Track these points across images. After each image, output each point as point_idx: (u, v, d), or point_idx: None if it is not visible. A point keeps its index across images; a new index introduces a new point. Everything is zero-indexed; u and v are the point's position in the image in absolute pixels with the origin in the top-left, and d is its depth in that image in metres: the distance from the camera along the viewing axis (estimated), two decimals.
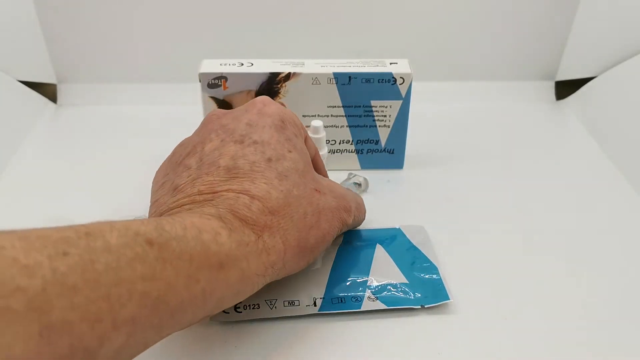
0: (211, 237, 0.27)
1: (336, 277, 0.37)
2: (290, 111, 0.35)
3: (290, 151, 0.32)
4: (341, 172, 0.48)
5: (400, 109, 0.47)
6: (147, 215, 0.34)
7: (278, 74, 0.45)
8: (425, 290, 0.36)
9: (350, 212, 0.36)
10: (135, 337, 0.23)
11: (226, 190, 0.30)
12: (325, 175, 0.39)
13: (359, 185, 0.47)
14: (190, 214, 0.28)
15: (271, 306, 0.35)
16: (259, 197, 0.30)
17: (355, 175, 0.47)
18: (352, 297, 0.36)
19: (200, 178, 0.31)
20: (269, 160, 0.31)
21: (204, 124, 0.35)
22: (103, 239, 0.22)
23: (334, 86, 0.45)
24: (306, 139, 0.36)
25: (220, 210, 0.29)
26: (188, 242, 0.25)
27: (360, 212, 0.39)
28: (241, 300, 0.30)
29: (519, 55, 0.61)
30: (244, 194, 0.30)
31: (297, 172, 0.32)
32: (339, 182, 0.43)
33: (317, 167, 0.38)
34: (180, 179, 0.32)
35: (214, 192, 0.30)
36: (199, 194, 0.30)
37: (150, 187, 0.36)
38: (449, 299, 0.36)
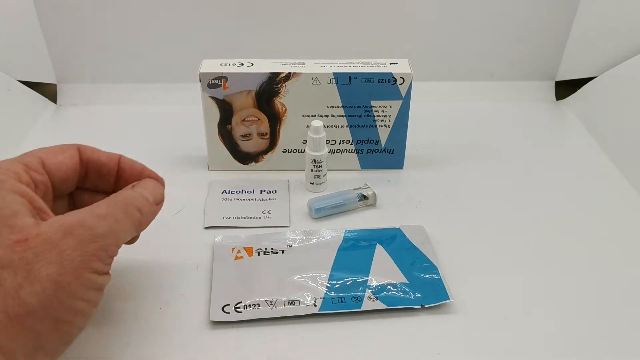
0: None
1: (336, 277, 0.37)
2: None
3: None
4: (342, 172, 0.49)
5: (400, 109, 0.47)
6: None
7: (278, 74, 0.45)
8: (425, 290, 0.36)
9: (94, 232, 0.28)
10: None
11: None
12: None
13: (365, 198, 0.44)
14: None
15: (271, 306, 0.35)
16: None
17: (367, 187, 0.45)
18: (352, 297, 0.36)
19: None
20: None
21: None
22: None
23: (334, 86, 0.45)
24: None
25: None
26: None
27: (118, 221, 0.30)
28: None
29: (519, 55, 0.61)
30: None
31: None
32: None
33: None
34: None
35: None
36: None
37: None
38: (449, 299, 0.36)
